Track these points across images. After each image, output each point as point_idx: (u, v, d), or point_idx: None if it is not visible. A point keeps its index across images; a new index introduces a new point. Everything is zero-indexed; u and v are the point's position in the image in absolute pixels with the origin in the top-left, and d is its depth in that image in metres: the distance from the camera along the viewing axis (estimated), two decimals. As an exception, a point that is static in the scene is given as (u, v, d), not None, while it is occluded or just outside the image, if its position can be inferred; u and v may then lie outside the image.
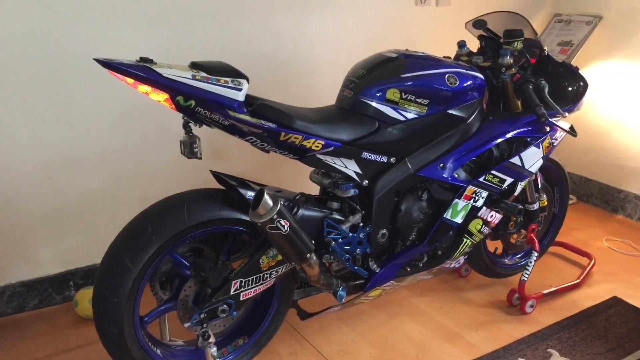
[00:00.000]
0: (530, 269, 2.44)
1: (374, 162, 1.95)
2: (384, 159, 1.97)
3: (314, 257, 1.81)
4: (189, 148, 1.70)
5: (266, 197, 1.65)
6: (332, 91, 2.90)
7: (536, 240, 2.45)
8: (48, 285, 2.47)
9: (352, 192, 1.95)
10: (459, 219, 2.09)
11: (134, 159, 2.50)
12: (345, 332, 2.33)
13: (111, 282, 1.66)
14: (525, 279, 2.44)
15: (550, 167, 2.54)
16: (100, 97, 2.36)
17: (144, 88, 1.59)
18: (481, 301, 2.55)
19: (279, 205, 1.66)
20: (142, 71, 1.54)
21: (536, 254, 2.45)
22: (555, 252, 2.95)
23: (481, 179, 2.08)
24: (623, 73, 3.24)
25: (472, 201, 2.09)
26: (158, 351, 1.82)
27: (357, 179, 1.94)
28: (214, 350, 1.72)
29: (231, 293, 1.80)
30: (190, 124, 1.71)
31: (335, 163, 1.89)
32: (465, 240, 2.16)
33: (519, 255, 2.67)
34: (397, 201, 2.03)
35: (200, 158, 1.73)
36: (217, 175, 1.84)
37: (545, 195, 2.48)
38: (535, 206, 2.40)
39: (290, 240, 1.72)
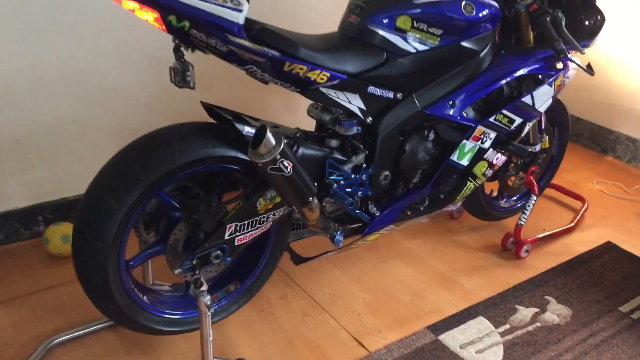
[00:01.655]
0: (528, 212, 2.35)
1: (380, 98, 1.79)
2: (390, 95, 1.80)
3: (316, 201, 1.66)
4: (181, 76, 1.50)
5: (268, 134, 1.47)
6: (324, 17, 2.68)
7: (535, 183, 2.36)
8: (15, 220, 2.28)
9: (355, 129, 1.79)
10: (465, 161, 1.96)
11: (109, 82, 2.27)
12: (336, 275, 2.22)
13: (94, 225, 1.48)
14: (523, 223, 2.35)
15: (553, 107, 2.41)
16: (72, 9, 2.10)
17: (130, 4, 1.37)
18: (475, 245, 2.47)
19: (282, 145, 1.49)
20: (130, -16, 1.32)
21: (535, 198, 2.36)
22: (547, 194, 2.88)
23: (491, 119, 1.94)
24: (622, 9, 3.09)
25: (480, 142, 1.96)
26: (145, 298, 1.68)
27: (360, 115, 1.78)
28: (207, 298, 1.58)
29: (225, 238, 1.65)
30: (182, 48, 1.51)
31: (338, 97, 1.72)
32: (469, 183, 2.04)
33: (515, 198, 2.58)
34: (402, 141, 1.88)
35: (193, 88, 1.53)
36: (209, 108, 1.66)
37: (547, 137, 2.36)
38: (538, 148, 2.29)
39: (293, 183, 1.57)
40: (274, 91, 2.68)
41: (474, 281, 2.24)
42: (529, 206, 2.35)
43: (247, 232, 1.68)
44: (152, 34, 2.26)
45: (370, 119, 1.80)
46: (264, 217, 1.69)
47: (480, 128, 1.93)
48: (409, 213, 2.01)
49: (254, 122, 1.65)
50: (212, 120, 1.69)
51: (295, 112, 2.78)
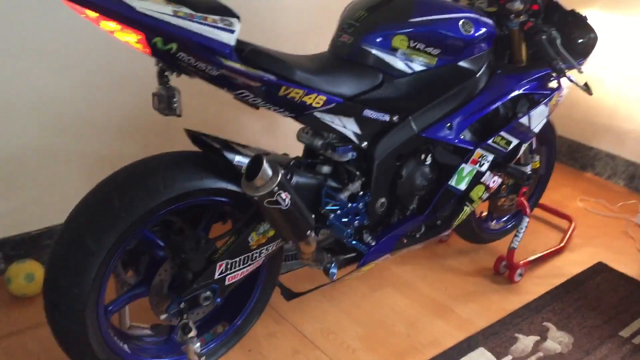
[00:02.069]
0: (521, 235, 2.28)
1: (375, 122, 1.68)
2: (387, 118, 1.70)
3: (314, 234, 1.54)
4: (166, 102, 1.37)
5: (265, 165, 1.35)
6: (303, 35, 2.57)
7: (527, 205, 2.28)
8: (-28, 259, 2.08)
9: (350, 155, 1.68)
10: (462, 186, 1.87)
11: (78, 108, 2.10)
12: (326, 308, 2.09)
13: (70, 269, 1.33)
14: (515, 246, 2.27)
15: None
16: (36, 28, 1.94)
17: (110, 25, 1.23)
18: (466, 269, 2.37)
19: (280, 176, 1.37)
20: (110, 3, 1.18)
21: (527, 219, 2.28)
22: (534, 214, 2.81)
23: (489, 142, 1.86)
24: (601, 24, 3.08)
25: (477, 166, 1.87)
26: (126, 347, 1.52)
27: (355, 140, 1.67)
28: (197, 346, 1.44)
29: (215, 277, 1.51)
30: (167, 73, 1.37)
31: (333, 122, 1.61)
32: (465, 208, 1.95)
33: (504, 219, 2.50)
34: (398, 166, 1.77)
35: (180, 115, 1.40)
36: (194, 135, 1.52)
37: (537, 157, 2.30)
38: (529, 169, 2.21)
39: (290, 216, 1.44)
40: (251, 113, 2.55)
41: (470, 308, 2.14)
42: (521, 228, 2.27)
43: (239, 270, 1.54)
44: (124, 53, 2.11)
45: (366, 143, 1.69)
46: (256, 252, 1.56)
47: (479, 151, 1.84)
48: (405, 241, 1.91)
49: (244, 150, 1.52)
50: (196, 149, 1.56)
51: (274, 134, 2.66)
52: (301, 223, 1.47)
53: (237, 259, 1.52)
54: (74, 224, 1.36)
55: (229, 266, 1.51)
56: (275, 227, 1.49)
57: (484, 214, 2.44)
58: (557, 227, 2.73)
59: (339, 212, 1.66)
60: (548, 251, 2.46)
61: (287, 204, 1.40)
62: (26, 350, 1.82)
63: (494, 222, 2.45)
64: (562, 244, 2.53)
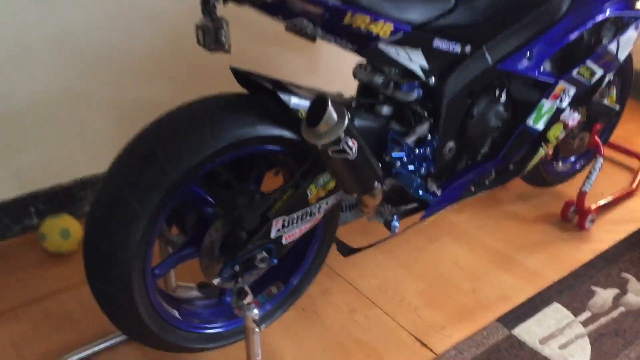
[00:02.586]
0: (593, 177, 2.07)
1: (445, 54, 1.46)
2: (458, 49, 1.48)
3: (380, 185, 1.35)
4: (213, 36, 1.17)
5: (331, 108, 1.15)
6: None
7: (600, 144, 2.06)
8: (2, 214, 1.94)
9: (415, 94, 1.47)
10: (540, 125, 1.66)
11: (103, 46, 1.91)
12: (381, 262, 1.93)
13: (113, 233, 1.16)
14: (587, 190, 2.07)
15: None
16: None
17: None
18: (529, 216, 2.18)
19: (347, 120, 1.17)
20: None
21: (601, 160, 2.07)
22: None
23: (573, 73, 1.63)
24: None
25: (558, 101, 1.65)
26: (176, 312, 1.37)
27: (422, 76, 1.46)
28: (255, 312, 1.28)
29: (272, 236, 1.34)
30: (213, 1, 1.16)
31: (399, 55, 1.40)
32: (540, 149, 1.74)
33: (572, 160, 2.28)
34: (469, 105, 1.56)
35: (229, 51, 1.19)
36: (242, 75, 1.32)
37: (614, 90, 2.06)
38: (605, 102, 1.98)
39: (357, 166, 1.25)
40: (288, 48, 2.33)
41: (537, 259, 1.96)
42: (594, 170, 2.06)
43: (297, 227, 1.37)
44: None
45: (434, 79, 1.48)
46: (315, 207, 1.38)
47: (561, 84, 1.62)
48: (473, 189, 1.71)
49: (300, 90, 1.32)
50: (241, 90, 1.36)
51: (316, 72, 2.44)
52: (368, 173, 1.29)
53: (295, 215, 1.35)
54: (113, 180, 1.19)
55: (285, 223, 1.34)
56: (339, 179, 1.31)
57: (550, 153, 2.22)
58: (627, 167, 2.51)
59: (405, 159, 1.46)
60: (619, 194, 2.25)
61: (355, 153, 1.21)
62: (67, 312, 1.70)
63: (560, 163, 2.23)
64: (634, 186, 2.32)
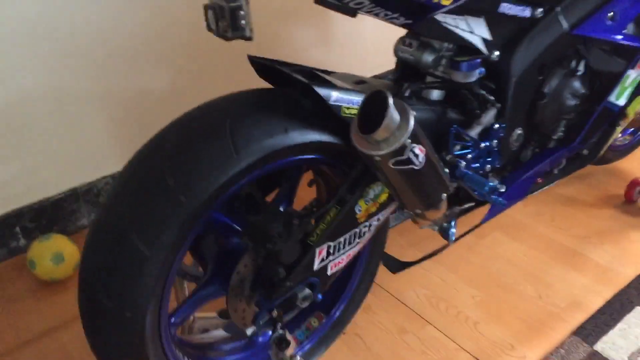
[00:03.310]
0: (663, 152, 1.78)
1: (512, 20, 1.17)
2: (527, 13, 1.19)
3: (446, 195, 1.07)
4: (230, 18, 0.87)
5: (392, 108, 0.86)
6: None
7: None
8: (-17, 237, 1.67)
9: (477, 73, 1.18)
10: (623, 100, 1.37)
11: (89, 29, 1.60)
12: (428, 268, 1.66)
13: (117, 289, 0.88)
14: (657, 166, 1.79)
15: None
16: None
17: None
18: (588, 199, 1.91)
19: (412, 122, 0.89)
20: None
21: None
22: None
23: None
24: None
25: (645, 71, 1.36)
26: (200, 367, 1.10)
27: (484, 49, 1.17)
28: (299, 364, 1.02)
29: (315, 268, 1.06)
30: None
31: (458, 27, 1.11)
32: (617, 128, 1.45)
33: (630, 132, 2.00)
34: (540, 82, 1.27)
35: (251, 37, 0.90)
36: (263, 64, 1.03)
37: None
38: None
39: (423, 178, 0.97)
40: (298, 24, 2.02)
41: (606, 252, 1.70)
42: (663, 144, 1.78)
43: (344, 253, 1.10)
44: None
45: (497, 53, 1.19)
46: (365, 226, 1.10)
47: (654, 49, 1.33)
48: (541, 180, 1.43)
49: (340, 81, 1.03)
50: (266, 84, 1.08)
51: (329, 48, 2.13)
52: (436, 184, 1.01)
53: (342, 239, 1.07)
54: (112, 219, 0.90)
55: (331, 250, 1.06)
56: (397, 194, 1.02)
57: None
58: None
59: (471, 156, 1.18)
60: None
61: (422, 162, 0.93)
62: (66, 353, 1.43)
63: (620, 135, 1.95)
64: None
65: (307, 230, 1.05)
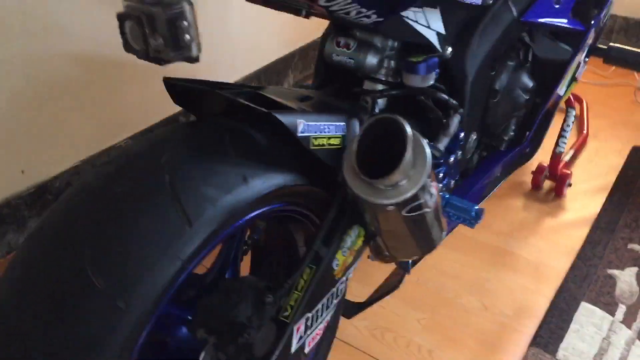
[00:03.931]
0: (567, 134, 1.75)
1: (464, 8, 0.99)
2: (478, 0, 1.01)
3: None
4: (170, 32, 0.58)
5: (411, 143, 0.63)
6: None
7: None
8: None
9: (434, 74, 0.99)
10: (564, 89, 1.26)
11: None
12: (359, 293, 1.46)
13: None
14: (563, 149, 1.75)
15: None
16: None
17: None
18: (497, 191, 1.82)
19: (429, 156, 0.66)
20: None
21: (574, 113, 1.75)
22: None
23: (603, 17, 1.24)
24: None
25: (582, 55, 1.26)
26: None
27: (437, 46, 0.98)
28: None
29: (293, 350, 0.80)
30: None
31: (417, 21, 0.91)
32: (552, 119, 1.35)
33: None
34: (491, 77, 1.11)
35: (197, 59, 0.61)
36: (185, 88, 0.75)
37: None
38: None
39: (432, 221, 0.75)
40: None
41: (533, 247, 1.62)
42: (567, 127, 1.74)
43: (322, 322, 0.85)
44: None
45: (450, 49, 1.00)
46: (342, 282, 0.86)
47: (592, 33, 1.22)
48: (488, 186, 1.29)
49: (290, 102, 0.79)
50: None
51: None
52: (440, 224, 0.79)
53: (320, 305, 0.82)
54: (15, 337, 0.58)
55: (309, 322, 0.81)
56: (392, 243, 0.79)
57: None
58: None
59: (441, 175, 0.99)
60: (578, 144, 1.98)
61: (433, 204, 0.71)
62: None
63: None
64: (584, 131, 2.06)
65: (277, 306, 0.78)
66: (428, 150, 0.66)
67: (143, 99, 1.68)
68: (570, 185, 1.79)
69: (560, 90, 1.23)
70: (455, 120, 1.01)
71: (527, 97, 1.19)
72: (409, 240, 0.77)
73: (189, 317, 0.77)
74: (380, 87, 1.00)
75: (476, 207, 0.94)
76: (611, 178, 1.87)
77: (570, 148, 1.94)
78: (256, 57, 2.09)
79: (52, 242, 0.61)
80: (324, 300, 0.83)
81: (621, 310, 1.42)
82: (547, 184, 1.81)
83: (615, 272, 1.53)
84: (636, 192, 1.80)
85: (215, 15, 1.84)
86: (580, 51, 1.22)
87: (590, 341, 1.35)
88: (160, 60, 0.59)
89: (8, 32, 1.33)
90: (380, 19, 0.80)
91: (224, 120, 0.76)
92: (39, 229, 0.64)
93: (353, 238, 0.84)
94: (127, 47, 0.60)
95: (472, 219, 0.95)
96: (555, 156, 1.75)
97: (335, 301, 0.86)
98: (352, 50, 0.98)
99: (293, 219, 0.90)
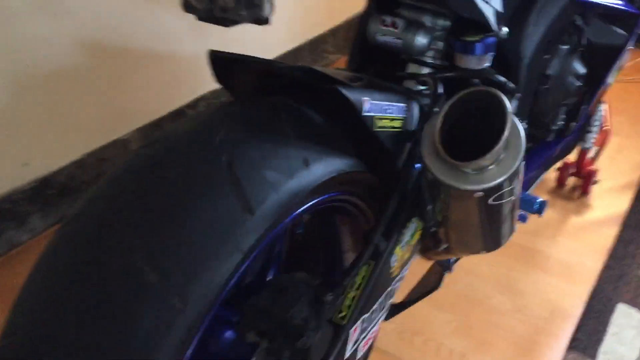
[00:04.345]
0: (595, 130, 1.68)
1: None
2: None
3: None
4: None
5: (511, 117, 0.55)
6: None
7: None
8: None
9: (490, 56, 0.91)
10: (614, 77, 1.19)
11: None
12: (389, 292, 1.38)
13: None
14: (590, 146, 1.68)
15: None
16: None
17: None
18: (522, 187, 1.76)
19: (523, 136, 0.59)
20: None
21: (605, 106, 1.68)
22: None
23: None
24: None
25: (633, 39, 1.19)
26: None
27: (494, 25, 0.90)
28: None
29: (347, 355, 0.72)
30: None
31: (478, -3, 0.83)
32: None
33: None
34: (545, 62, 1.04)
35: (268, 20, 0.53)
36: (234, 60, 0.67)
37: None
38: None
39: (511, 211, 0.68)
40: (166, 6, 1.61)
41: (563, 245, 1.55)
42: (597, 120, 1.66)
43: (375, 325, 0.77)
44: None
45: (505, 29, 0.93)
46: (397, 281, 0.78)
47: (645, 17, 1.15)
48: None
49: (357, 79, 0.70)
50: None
51: (204, 37, 1.74)
52: (511, 221, 0.72)
53: (377, 305, 0.74)
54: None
55: (365, 325, 0.73)
56: (463, 235, 0.72)
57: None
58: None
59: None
60: (601, 140, 1.90)
61: (518, 193, 0.63)
62: None
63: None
64: (608, 127, 1.99)
65: (334, 307, 0.70)
66: (523, 132, 0.59)
67: (149, 91, 1.59)
68: (595, 182, 1.72)
69: (611, 77, 1.16)
70: (513, 107, 0.93)
71: (579, 84, 1.11)
72: (478, 233, 0.69)
73: (234, 319, 0.69)
74: (425, 70, 0.92)
75: (540, 199, 0.86)
76: (636, 175, 1.80)
77: (595, 143, 1.87)
78: (263, 51, 2.02)
79: (95, 233, 0.53)
80: (381, 299, 0.75)
81: (660, 310, 1.36)
82: (570, 180, 1.75)
83: (647, 272, 1.47)
84: (664, 190, 1.74)
85: None
86: (633, 36, 1.15)
87: (630, 344, 1.28)
88: (226, 21, 0.51)
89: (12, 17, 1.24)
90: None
91: (276, 98, 0.68)
92: (76, 217, 0.55)
93: (412, 231, 0.76)
94: (187, 6, 0.52)
95: (536, 212, 0.87)
96: (582, 153, 1.68)
97: (388, 302, 0.78)
98: (399, 30, 0.90)
99: (339, 211, 0.82)
